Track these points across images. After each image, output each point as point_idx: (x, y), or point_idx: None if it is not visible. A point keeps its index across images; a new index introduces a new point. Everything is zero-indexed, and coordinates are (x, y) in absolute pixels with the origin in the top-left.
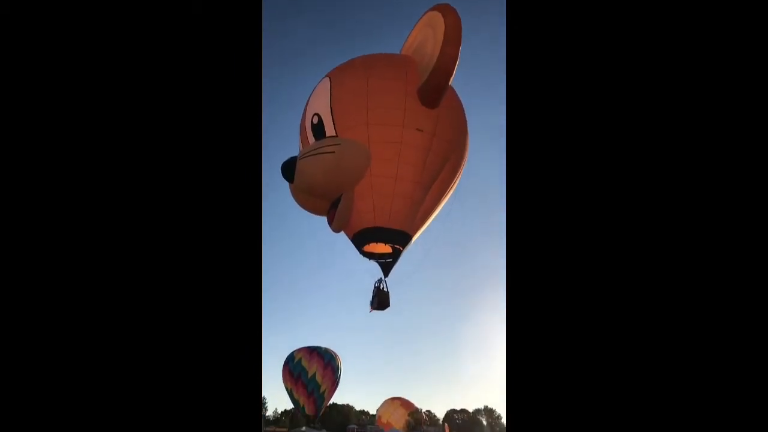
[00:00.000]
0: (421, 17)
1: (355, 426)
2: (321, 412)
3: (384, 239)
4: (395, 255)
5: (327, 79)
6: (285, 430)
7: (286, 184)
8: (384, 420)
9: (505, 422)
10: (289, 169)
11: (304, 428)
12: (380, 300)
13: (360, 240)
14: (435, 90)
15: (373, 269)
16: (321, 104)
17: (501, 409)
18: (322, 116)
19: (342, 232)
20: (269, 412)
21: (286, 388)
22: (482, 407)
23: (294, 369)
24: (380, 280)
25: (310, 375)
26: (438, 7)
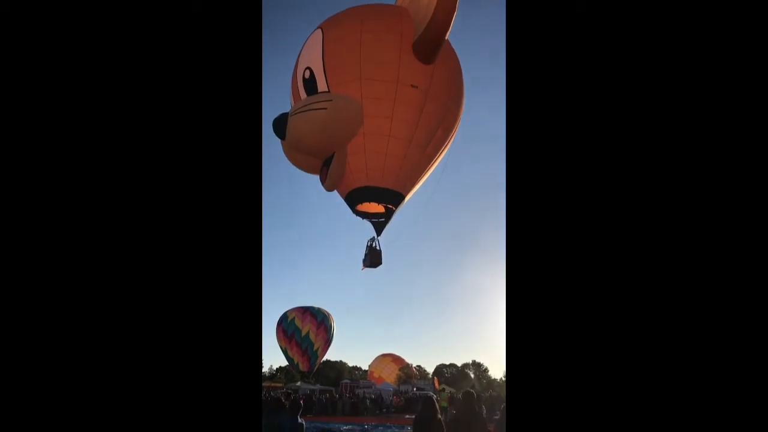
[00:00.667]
0: None
1: (348, 381)
2: (315, 369)
3: (377, 199)
4: (388, 214)
5: (319, 30)
6: (281, 384)
7: (278, 140)
8: (376, 375)
9: (491, 375)
10: (280, 126)
11: (299, 383)
12: (372, 258)
13: (353, 199)
14: (430, 45)
15: (368, 227)
16: (313, 58)
17: (488, 362)
18: (314, 71)
19: (335, 191)
20: (265, 369)
21: (281, 347)
22: (470, 361)
23: (288, 328)
24: (373, 239)
25: (303, 334)
26: None
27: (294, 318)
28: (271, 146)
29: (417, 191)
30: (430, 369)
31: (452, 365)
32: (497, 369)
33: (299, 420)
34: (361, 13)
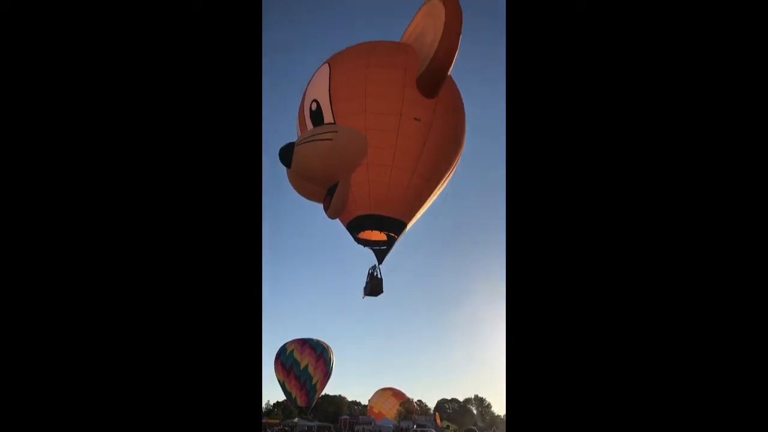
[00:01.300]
0: (423, 6)
1: (348, 416)
2: (313, 403)
3: (379, 227)
4: (389, 242)
5: (326, 65)
6: (278, 421)
7: (284, 169)
8: (376, 410)
9: (494, 411)
10: (286, 154)
11: (296, 419)
12: (373, 286)
13: (355, 227)
14: (433, 80)
15: (368, 256)
16: (320, 91)
17: (491, 398)
18: (321, 103)
19: (337, 219)
20: (262, 404)
21: (279, 380)
22: (472, 396)
23: (286, 361)
24: (374, 267)
25: (302, 367)
26: None
27: (293, 350)
28: (276, 175)
29: (418, 220)
30: (431, 404)
31: (454, 400)
32: (500, 405)
33: None
34: (367, 48)
